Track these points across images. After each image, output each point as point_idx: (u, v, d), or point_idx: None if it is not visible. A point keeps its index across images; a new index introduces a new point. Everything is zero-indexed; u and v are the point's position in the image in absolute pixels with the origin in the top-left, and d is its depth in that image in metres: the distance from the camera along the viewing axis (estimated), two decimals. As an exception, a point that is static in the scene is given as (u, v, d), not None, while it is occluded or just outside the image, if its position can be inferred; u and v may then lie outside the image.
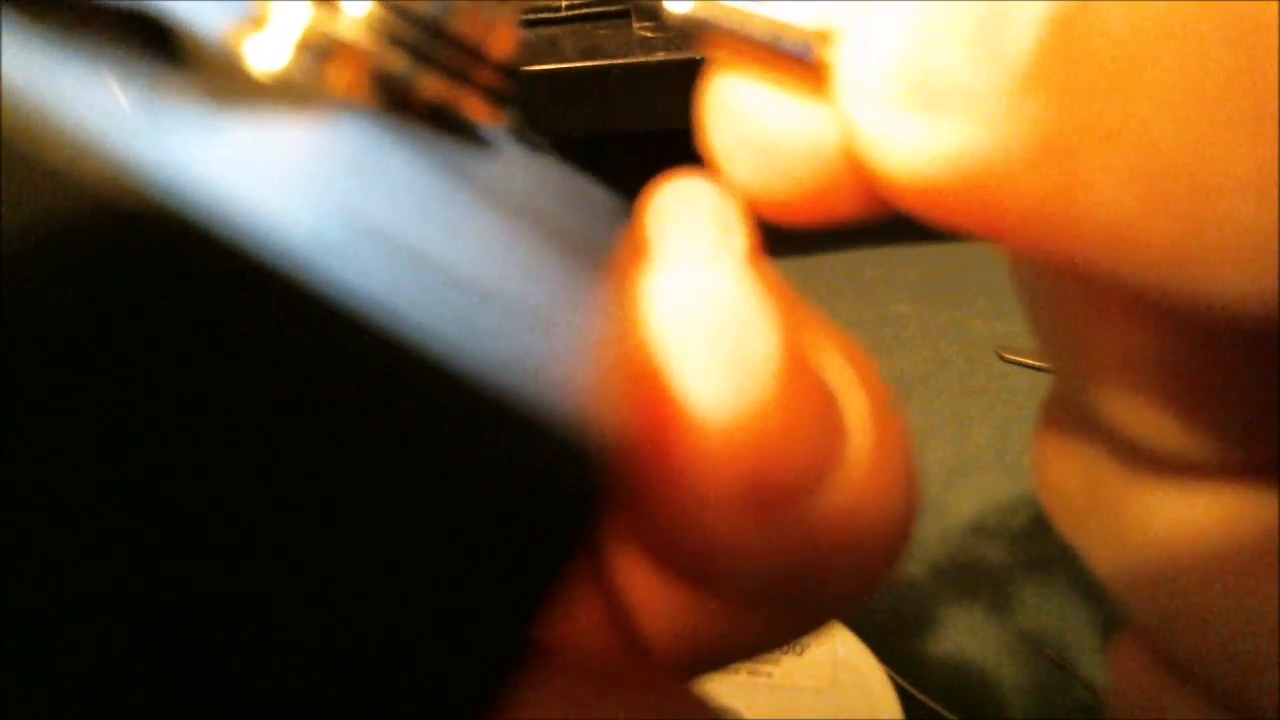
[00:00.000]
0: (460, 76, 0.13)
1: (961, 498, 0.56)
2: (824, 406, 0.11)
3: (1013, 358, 0.63)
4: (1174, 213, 0.08)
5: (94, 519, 0.08)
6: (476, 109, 0.13)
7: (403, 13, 0.12)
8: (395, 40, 0.12)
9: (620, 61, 0.57)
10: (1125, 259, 0.09)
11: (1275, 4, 0.08)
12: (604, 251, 0.13)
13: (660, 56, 0.57)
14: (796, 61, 0.12)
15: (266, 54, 0.11)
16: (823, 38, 0.12)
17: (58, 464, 0.08)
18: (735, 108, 0.13)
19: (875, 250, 0.74)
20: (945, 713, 0.46)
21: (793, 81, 0.12)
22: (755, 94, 0.13)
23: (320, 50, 0.11)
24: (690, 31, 0.12)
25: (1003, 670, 0.48)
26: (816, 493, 0.11)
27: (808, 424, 0.10)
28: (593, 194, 0.15)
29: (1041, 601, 0.51)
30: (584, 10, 0.61)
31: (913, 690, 0.46)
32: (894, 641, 0.48)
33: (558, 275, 0.11)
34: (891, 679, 0.47)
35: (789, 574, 0.11)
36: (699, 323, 0.11)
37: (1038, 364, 0.62)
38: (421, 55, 0.12)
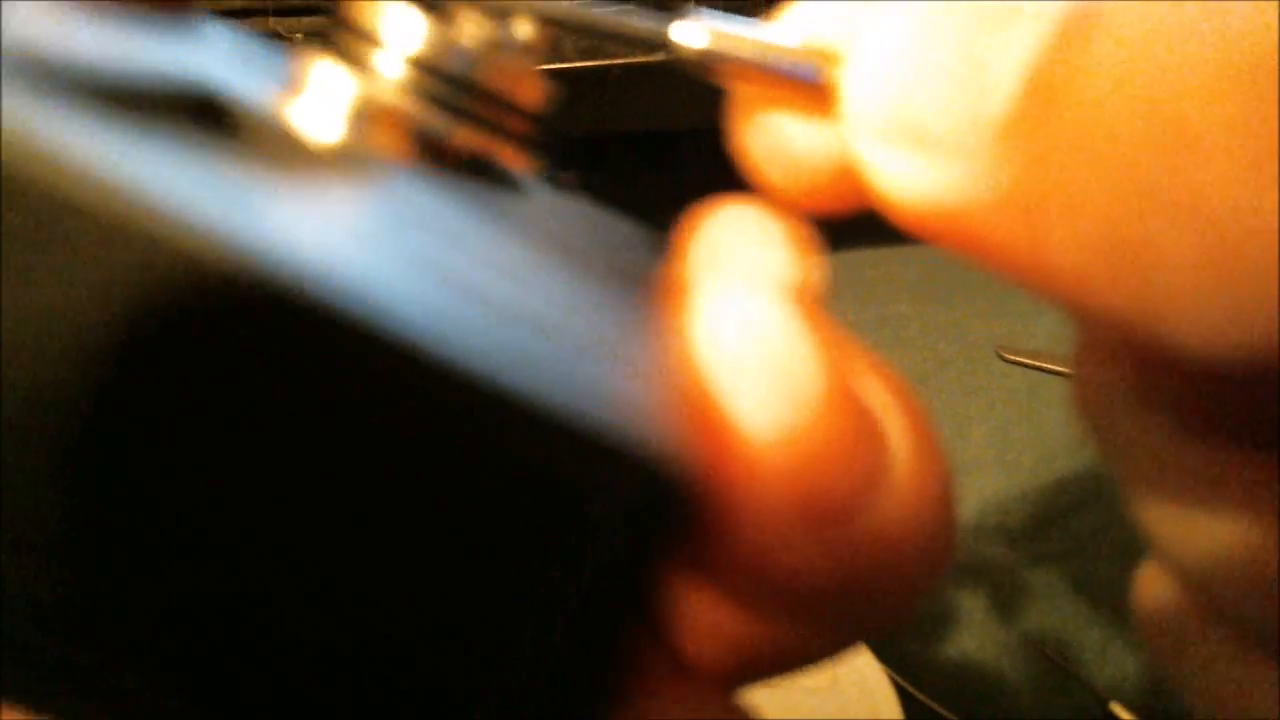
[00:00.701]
0: (492, 127, 0.13)
1: (961, 498, 0.56)
2: (869, 429, 0.11)
3: (1013, 358, 0.63)
4: (1123, 277, 0.09)
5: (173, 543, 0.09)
6: (510, 157, 0.14)
7: (435, 71, 0.13)
8: (430, 97, 0.13)
9: (620, 61, 0.57)
10: (1086, 303, 0.10)
11: (1213, 118, 0.09)
12: (648, 281, 0.13)
13: (660, 56, 0.57)
14: (803, 84, 0.12)
15: (313, 121, 0.12)
16: (827, 58, 0.12)
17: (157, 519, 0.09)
18: (757, 121, 0.14)
19: (875, 250, 0.74)
20: (945, 713, 0.46)
21: (802, 101, 0.13)
22: (773, 110, 0.13)
23: (362, 114, 0.12)
24: (701, 63, 0.13)
25: (1003, 670, 0.48)
26: (866, 510, 0.11)
27: (855, 446, 0.11)
28: (627, 229, 0.16)
29: (1041, 601, 0.51)
30: (584, 10, 0.62)
31: (913, 690, 0.46)
32: (894, 641, 0.48)
33: (609, 307, 0.12)
34: (891, 679, 0.47)
35: (840, 589, 0.11)
36: (749, 351, 0.11)
37: (1038, 364, 0.62)
38: (455, 109, 0.13)
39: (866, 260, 0.73)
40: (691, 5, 0.13)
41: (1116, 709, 0.45)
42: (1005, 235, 0.10)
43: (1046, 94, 0.10)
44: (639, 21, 0.13)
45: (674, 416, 0.11)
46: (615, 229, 0.15)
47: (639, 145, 0.88)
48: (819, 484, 0.11)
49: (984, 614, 0.51)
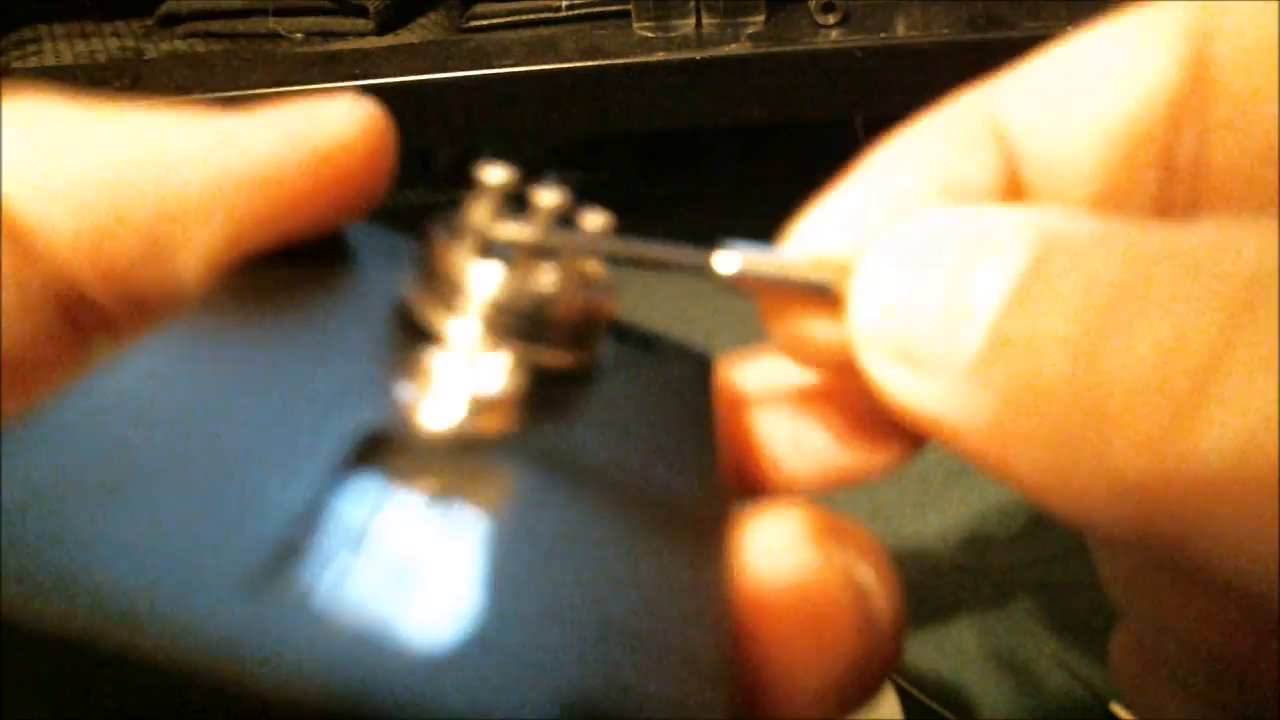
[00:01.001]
0: (565, 344, 0.16)
1: (961, 498, 0.56)
2: (868, 616, 0.14)
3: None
4: (1070, 490, 0.12)
5: None
6: (580, 360, 0.16)
7: (515, 311, 0.15)
8: (513, 333, 0.15)
9: (620, 61, 0.57)
10: (1047, 504, 0.12)
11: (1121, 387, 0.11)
12: (696, 489, 0.15)
13: (660, 56, 0.57)
14: (820, 295, 0.15)
15: (437, 416, 0.13)
16: (841, 270, 0.15)
17: None
18: (784, 319, 0.16)
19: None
20: (945, 713, 0.46)
21: (819, 306, 0.16)
22: (796, 312, 0.16)
23: (474, 403, 0.14)
24: (736, 284, 0.16)
25: (1003, 670, 0.48)
26: (863, 671, 0.14)
27: (866, 641, 0.14)
28: (679, 379, 0.17)
29: (1041, 601, 0.51)
30: (584, 10, 0.62)
31: (913, 690, 0.46)
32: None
33: (665, 572, 0.13)
34: (891, 679, 0.47)
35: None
36: (784, 599, 0.14)
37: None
38: (535, 339, 0.15)
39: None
40: (724, 241, 0.16)
41: (1116, 709, 0.45)
42: (977, 445, 0.13)
43: (1005, 347, 0.13)
44: (685, 253, 0.16)
45: (727, 669, 0.12)
46: (670, 396, 0.17)
47: (639, 145, 0.88)
48: (847, 690, 0.14)
49: (984, 614, 0.51)
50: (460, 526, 0.12)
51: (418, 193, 0.88)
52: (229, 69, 0.60)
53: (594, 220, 0.16)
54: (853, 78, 0.57)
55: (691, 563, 0.13)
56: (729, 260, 0.15)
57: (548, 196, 0.15)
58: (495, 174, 0.15)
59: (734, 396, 0.18)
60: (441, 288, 0.15)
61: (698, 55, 0.57)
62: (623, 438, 0.15)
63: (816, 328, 0.16)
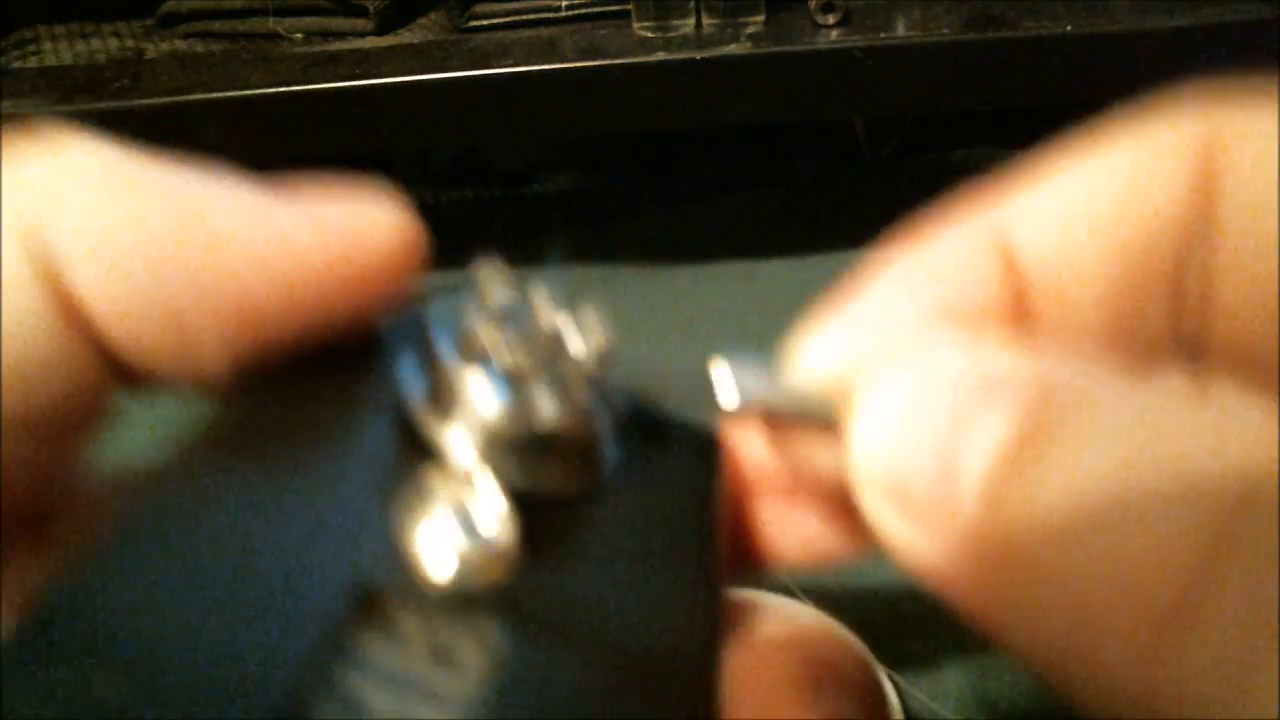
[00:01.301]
0: (573, 460, 0.16)
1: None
2: None
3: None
4: (1054, 672, 0.12)
5: None
6: (586, 473, 0.16)
7: (518, 437, 0.15)
8: (516, 458, 0.15)
9: (620, 61, 0.57)
10: (1023, 659, 0.13)
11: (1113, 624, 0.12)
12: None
13: (660, 56, 0.57)
14: (822, 424, 0.15)
15: (435, 566, 0.14)
16: (844, 397, 0.15)
17: None
18: (784, 445, 0.17)
19: (875, 250, 0.74)
20: (945, 713, 0.46)
21: (820, 435, 0.16)
22: (796, 437, 0.16)
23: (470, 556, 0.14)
24: (743, 416, 0.16)
25: (1003, 670, 0.48)
26: None
27: None
28: (681, 482, 0.17)
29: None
30: (584, 10, 0.61)
31: (913, 690, 0.46)
32: (894, 641, 0.48)
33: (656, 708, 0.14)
34: (891, 679, 0.47)
35: None
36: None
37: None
38: (539, 461, 0.15)
39: (866, 260, 0.73)
40: (719, 360, 0.16)
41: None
42: (961, 604, 0.13)
43: (994, 515, 0.13)
44: (688, 382, 0.16)
45: None
46: (674, 502, 0.17)
47: (639, 145, 0.88)
48: None
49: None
50: (454, 688, 0.13)
51: (418, 192, 0.88)
52: (229, 69, 0.60)
53: (591, 330, 0.16)
54: (853, 78, 0.57)
55: (680, 701, 0.14)
56: (730, 392, 0.16)
57: (546, 313, 0.16)
58: (497, 291, 0.15)
59: (732, 473, 0.18)
60: (442, 401, 0.15)
61: (698, 55, 0.57)
62: (622, 566, 0.15)
63: (817, 453, 0.16)
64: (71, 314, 0.14)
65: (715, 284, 0.73)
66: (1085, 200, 0.16)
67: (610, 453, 0.16)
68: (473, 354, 0.15)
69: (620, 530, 0.16)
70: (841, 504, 0.17)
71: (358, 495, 0.14)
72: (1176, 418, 0.12)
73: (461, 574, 0.14)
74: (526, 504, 0.14)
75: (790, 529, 0.18)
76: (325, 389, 0.15)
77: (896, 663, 0.46)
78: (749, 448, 0.18)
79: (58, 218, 0.14)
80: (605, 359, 0.16)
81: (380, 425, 0.15)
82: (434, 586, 0.14)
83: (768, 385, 0.16)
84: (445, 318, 0.16)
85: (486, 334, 0.15)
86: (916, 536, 0.14)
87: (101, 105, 0.58)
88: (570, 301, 0.16)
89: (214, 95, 0.58)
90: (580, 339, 0.16)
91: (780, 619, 0.18)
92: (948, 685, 0.48)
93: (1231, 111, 0.16)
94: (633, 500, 0.16)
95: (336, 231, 0.15)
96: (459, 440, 0.15)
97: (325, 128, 0.59)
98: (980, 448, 0.13)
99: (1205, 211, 0.15)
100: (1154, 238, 0.16)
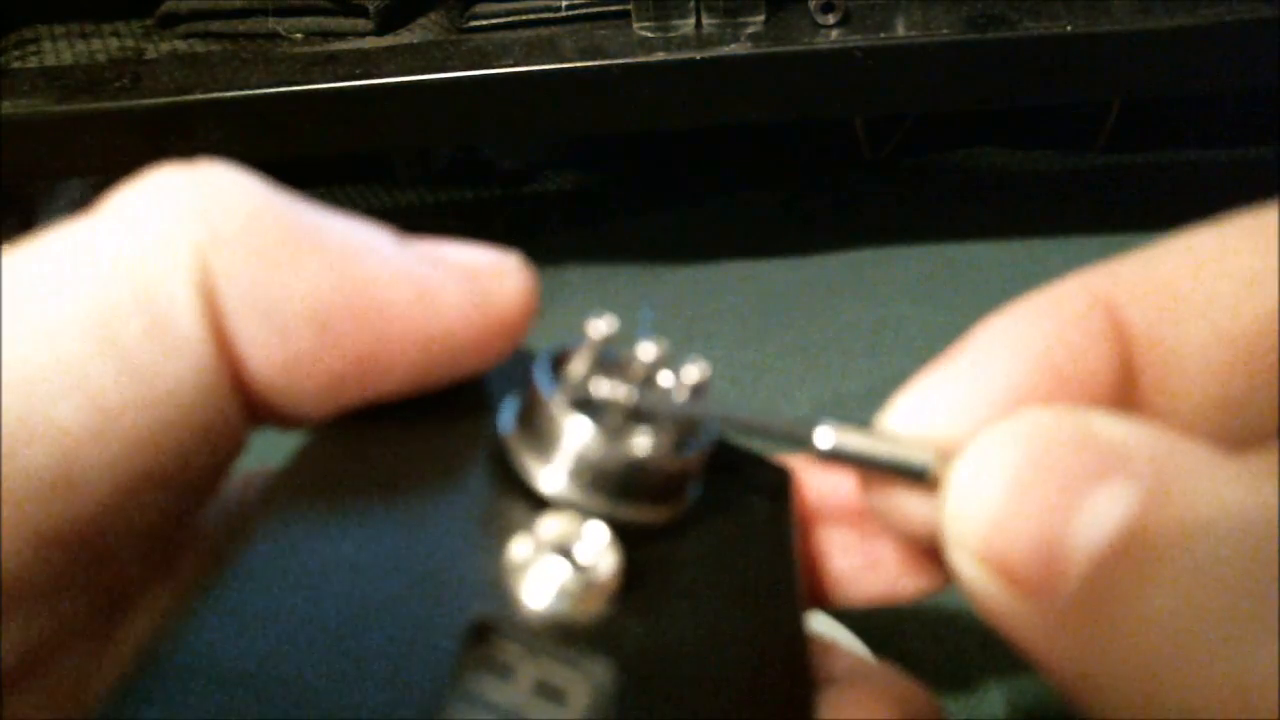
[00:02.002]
0: (661, 499, 0.16)
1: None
2: None
3: (1013, 358, 0.63)
4: None
5: None
6: (671, 511, 0.17)
7: (610, 469, 0.15)
8: (610, 491, 0.16)
9: (620, 61, 0.57)
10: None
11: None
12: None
13: (660, 56, 0.57)
14: (916, 477, 0.15)
15: (537, 598, 0.14)
16: (941, 454, 0.15)
17: None
18: (879, 493, 0.16)
19: (875, 250, 0.74)
20: (945, 713, 0.46)
21: (913, 486, 0.16)
22: (891, 488, 0.16)
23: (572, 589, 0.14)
24: (835, 459, 0.16)
25: (1003, 671, 0.48)
26: None
27: None
28: (759, 521, 0.18)
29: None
30: (584, 10, 0.61)
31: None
32: (894, 641, 0.48)
33: None
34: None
35: None
36: None
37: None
38: (630, 496, 0.16)
39: (866, 260, 0.73)
40: (819, 421, 0.16)
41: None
42: (1053, 673, 0.13)
43: (1101, 603, 0.12)
44: (784, 424, 0.16)
45: None
46: (755, 531, 0.17)
47: (639, 145, 0.88)
48: None
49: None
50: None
51: (418, 192, 0.88)
52: (229, 69, 0.60)
53: (691, 373, 0.16)
54: (853, 78, 0.57)
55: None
56: (826, 436, 0.16)
57: (645, 353, 0.16)
58: (599, 326, 0.16)
59: (802, 508, 0.18)
60: (539, 437, 0.16)
61: (698, 55, 0.57)
62: (711, 600, 0.16)
63: (908, 504, 0.16)
64: (232, 368, 0.14)
65: (715, 284, 0.73)
66: (1203, 280, 0.16)
67: (696, 487, 0.17)
68: (571, 391, 0.16)
69: (706, 563, 0.16)
70: (925, 550, 0.17)
71: (463, 532, 0.15)
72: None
73: (563, 605, 0.14)
74: (619, 535, 0.15)
75: (860, 568, 0.18)
76: (429, 427, 0.16)
77: (897, 663, 0.46)
78: (819, 481, 0.19)
79: (227, 268, 0.14)
80: (700, 397, 0.16)
81: (482, 463, 0.16)
82: (537, 619, 0.14)
83: (864, 435, 0.16)
84: (546, 357, 0.16)
85: (585, 372, 0.16)
86: (1011, 604, 0.13)
87: (101, 105, 0.58)
88: (668, 341, 0.16)
89: (214, 95, 0.58)
90: (677, 377, 0.16)
91: (850, 658, 0.18)
92: (949, 685, 0.48)
93: None
94: (715, 533, 0.17)
95: (477, 293, 0.15)
96: (556, 475, 0.15)
97: (325, 128, 0.59)
98: (1093, 526, 0.12)
99: None
100: (1270, 320, 0.15)
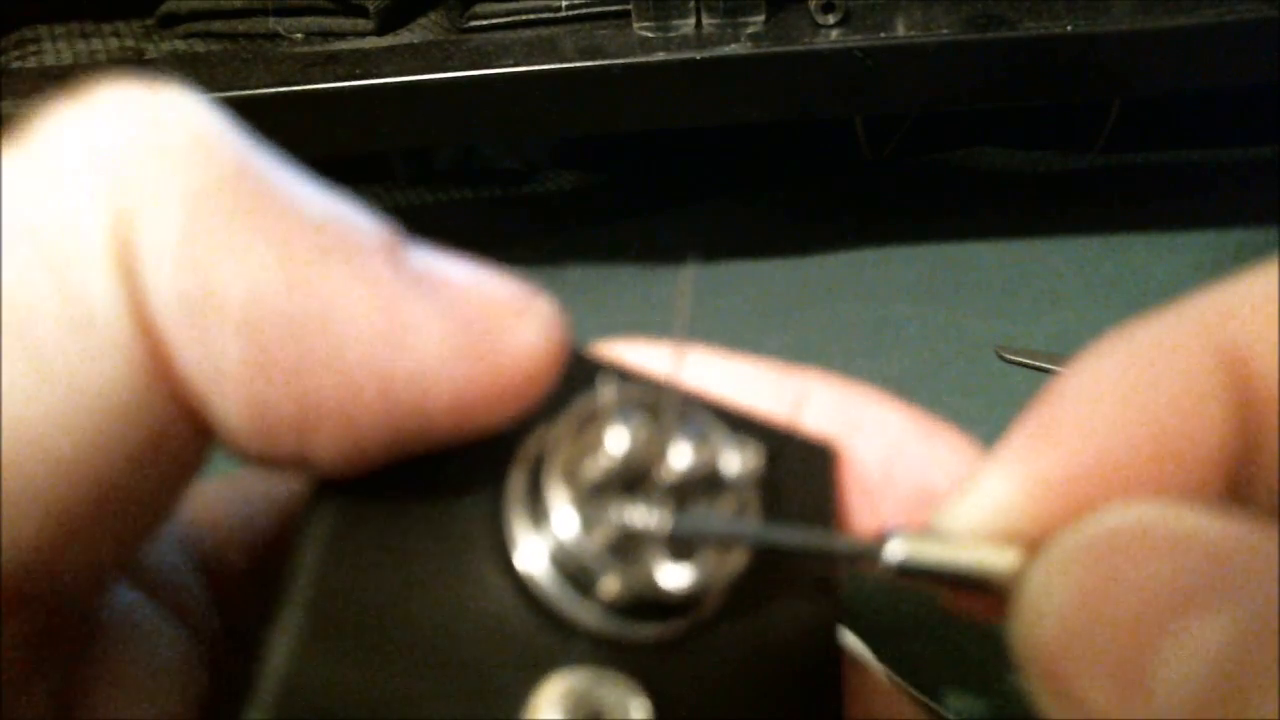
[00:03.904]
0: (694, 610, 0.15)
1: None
2: None
3: (1013, 358, 0.63)
4: None
5: None
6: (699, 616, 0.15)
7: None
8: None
9: (620, 61, 0.57)
10: None
11: None
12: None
13: (660, 56, 0.57)
14: (985, 584, 0.14)
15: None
16: (1010, 561, 0.13)
17: None
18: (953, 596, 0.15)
19: (875, 250, 0.74)
20: (945, 713, 0.46)
21: (983, 594, 0.14)
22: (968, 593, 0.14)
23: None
24: (904, 573, 0.14)
25: (1002, 671, 0.48)
26: None
27: None
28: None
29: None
30: (584, 10, 0.61)
31: (913, 690, 0.46)
32: (894, 641, 0.48)
33: None
34: (891, 679, 0.47)
35: None
36: None
37: (1038, 364, 0.62)
38: (660, 618, 0.15)
39: (866, 260, 0.73)
40: (890, 533, 0.14)
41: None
42: None
43: None
44: (852, 543, 0.15)
45: None
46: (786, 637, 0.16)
47: (639, 145, 0.88)
48: None
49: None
50: None
51: (418, 192, 0.88)
52: (229, 69, 0.60)
53: (732, 463, 0.14)
54: (853, 78, 0.57)
55: None
56: (898, 550, 0.14)
57: (678, 459, 0.14)
58: (620, 440, 0.14)
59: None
60: (571, 575, 0.14)
61: (698, 55, 0.57)
62: (744, 692, 0.15)
63: (985, 605, 0.14)
64: (164, 369, 0.11)
65: (715, 284, 0.73)
66: None
67: (720, 591, 0.15)
68: (599, 531, 0.14)
69: (738, 667, 0.15)
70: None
71: (480, 668, 0.13)
72: None
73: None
74: (645, 654, 0.14)
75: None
76: (432, 506, 0.14)
77: (896, 663, 0.46)
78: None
79: (152, 242, 0.11)
80: (746, 485, 0.15)
81: (495, 568, 0.14)
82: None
83: (939, 545, 0.14)
84: (557, 437, 0.14)
85: (611, 497, 0.14)
86: (1076, 711, 0.11)
87: (101, 105, 0.58)
88: (710, 413, 0.15)
89: (214, 95, 0.58)
90: (721, 470, 0.15)
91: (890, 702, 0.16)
92: (949, 685, 0.48)
93: None
94: (745, 648, 0.15)
95: (475, 335, 0.12)
96: (589, 610, 0.14)
97: (325, 128, 0.59)
98: (1183, 663, 0.10)
99: None
100: None
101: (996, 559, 0.13)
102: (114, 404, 0.11)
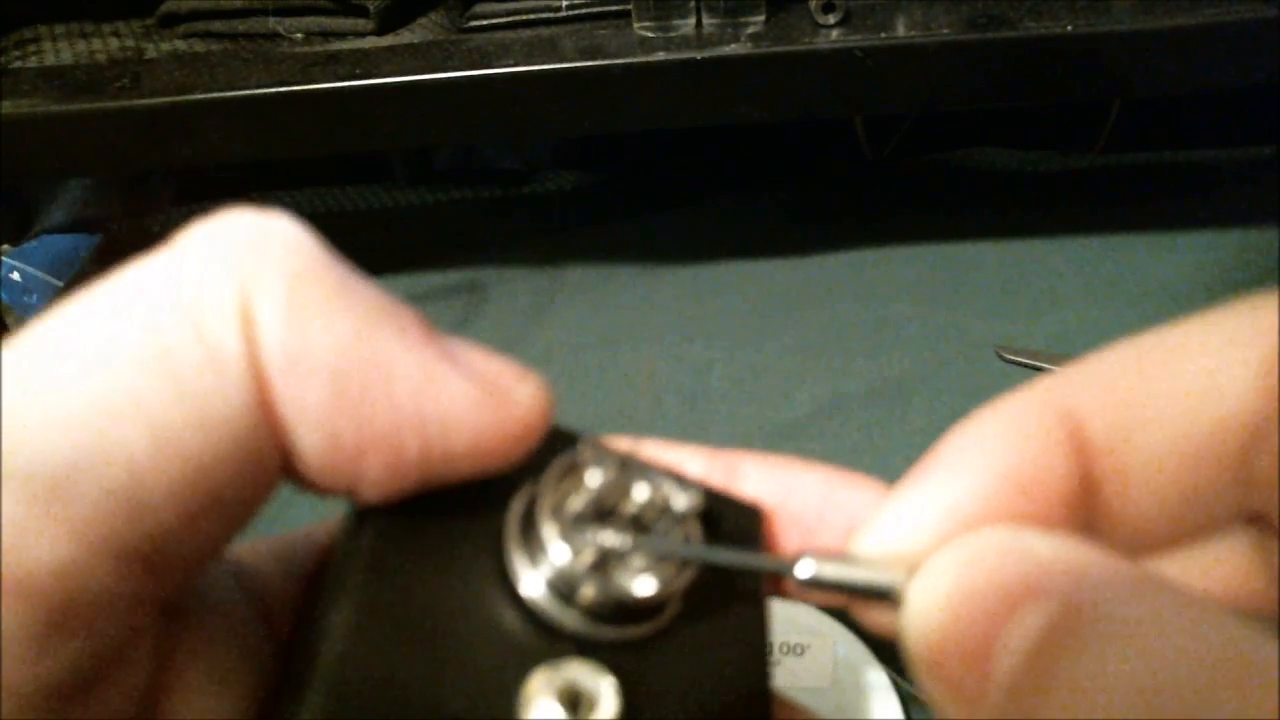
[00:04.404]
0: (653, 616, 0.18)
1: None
2: None
3: (1013, 358, 0.63)
4: None
5: None
6: (660, 623, 0.18)
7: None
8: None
9: (620, 61, 0.57)
10: None
11: None
12: None
13: (660, 56, 0.57)
14: (885, 598, 0.17)
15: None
16: (901, 567, 0.17)
17: None
18: (860, 608, 0.18)
19: (875, 250, 0.74)
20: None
21: (880, 604, 0.17)
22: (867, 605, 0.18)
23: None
24: (816, 586, 0.17)
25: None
26: None
27: None
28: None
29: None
30: (584, 10, 0.62)
31: (913, 690, 0.46)
32: (894, 641, 0.48)
33: None
34: (891, 679, 0.47)
35: None
36: None
37: (1038, 364, 0.63)
38: (624, 620, 0.17)
39: (866, 260, 0.73)
40: (802, 556, 0.17)
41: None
42: None
43: (1022, 707, 0.13)
44: (774, 560, 0.18)
45: None
46: (729, 611, 0.19)
47: (639, 145, 0.88)
48: None
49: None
50: None
51: (418, 193, 0.88)
52: (229, 69, 0.60)
53: (680, 503, 0.18)
54: (853, 78, 0.57)
55: None
56: (807, 568, 0.17)
57: (639, 494, 0.17)
58: (595, 477, 0.17)
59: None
60: (544, 571, 0.17)
61: (698, 55, 0.57)
62: (696, 686, 0.18)
63: (884, 618, 0.17)
64: (266, 404, 0.15)
65: (715, 284, 0.73)
66: (1157, 389, 0.17)
67: (680, 603, 0.18)
68: (572, 542, 0.17)
69: (690, 665, 0.18)
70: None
71: (480, 666, 0.16)
72: (1191, 644, 0.13)
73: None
74: (615, 652, 0.17)
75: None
76: (449, 532, 0.17)
77: (897, 663, 0.46)
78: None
79: (266, 313, 0.15)
80: (691, 522, 0.18)
81: (496, 583, 0.17)
82: None
83: (839, 562, 0.17)
84: (549, 480, 0.17)
85: (584, 518, 0.17)
86: (955, 710, 0.15)
87: (101, 105, 0.58)
88: (663, 470, 0.18)
89: (214, 95, 0.58)
90: (670, 507, 0.18)
91: None
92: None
93: None
94: (698, 634, 0.18)
95: (487, 388, 0.16)
96: (562, 610, 0.17)
97: (325, 128, 0.59)
98: (1012, 644, 0.14)
99: (1273, 403, 0.16)
100: (1224, 428, 0.16)
101: (887, 576, 0.17)
102: (229, 423, 0.14)
